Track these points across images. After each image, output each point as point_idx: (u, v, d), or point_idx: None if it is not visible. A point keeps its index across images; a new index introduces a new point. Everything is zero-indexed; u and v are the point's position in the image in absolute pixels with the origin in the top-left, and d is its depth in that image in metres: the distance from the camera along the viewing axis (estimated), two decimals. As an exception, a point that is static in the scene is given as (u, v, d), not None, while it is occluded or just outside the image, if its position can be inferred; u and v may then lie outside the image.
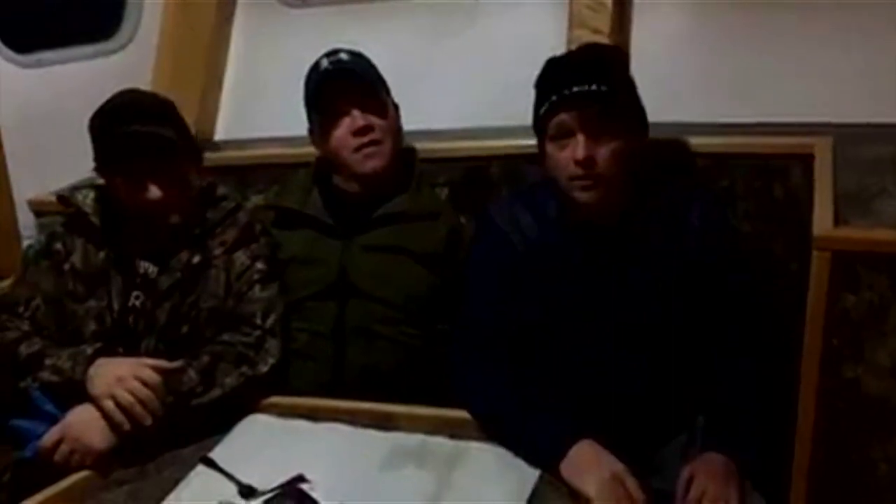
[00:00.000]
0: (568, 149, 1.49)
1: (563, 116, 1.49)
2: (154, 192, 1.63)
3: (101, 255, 1.70)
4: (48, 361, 1.58)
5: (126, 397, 1.50)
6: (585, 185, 1.50)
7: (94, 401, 1.52)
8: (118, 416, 1.50)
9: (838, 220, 1.52)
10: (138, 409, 1.51)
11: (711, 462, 1.37)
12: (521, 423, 1.45)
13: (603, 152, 1.48)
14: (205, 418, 1.57)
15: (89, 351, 1.58)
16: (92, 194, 1.74)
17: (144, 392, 1.51)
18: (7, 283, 1.87)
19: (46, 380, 1.57)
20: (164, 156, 1.64)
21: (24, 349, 1.61)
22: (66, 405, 1.55)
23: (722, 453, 1.39)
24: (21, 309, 1.69)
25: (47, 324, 1.68)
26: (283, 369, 1.69)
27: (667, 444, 1.54)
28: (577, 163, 1.47)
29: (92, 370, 1.55)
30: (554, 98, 1.49)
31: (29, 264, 1.77)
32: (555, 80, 1.52)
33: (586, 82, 1.47)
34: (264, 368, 1.65)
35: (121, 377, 1.52)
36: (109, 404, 1.50)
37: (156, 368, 1.55)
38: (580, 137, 1.47)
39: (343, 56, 1.80)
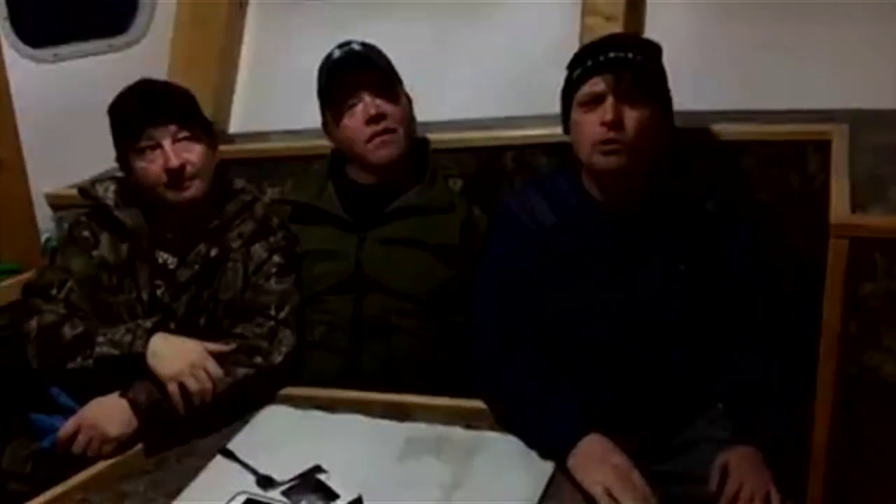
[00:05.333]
0: (597, 113, 1.50)
1: (595, 81, 1.50)
2: (174, 159, 1.64)
3: (125, 247, 1.71)
4: (102, 338, 1.59)
5: (194, 386, 1.53)
6: (608, 150, 1.50)
7: (158, 378, 1.54)
8: (179, 402, 1.53)
9: (855, 208, 1.51)
10: (199, 399, 1.54)
11: (745, 454, 1.38)
12: (532, 414, 1.45)
13: (631, 118, 1.48)
14: (218, 408, 1.58)
15: (148, 324, 1.60)
16: (113, 187, 1.75)
17: (209, 385, 1.54)
18: (28, 275, 1.89)
19: (104, 354, 1.58)
20: (185, 117, 1.68)
21: (67, 331, 1.62)
22: (94, 393, 1.56)
23: (751, 444, 1.40)
24: (54, 292, 1.69)
25: (82, 306, 1.68)
26: (297, 359, 1.70)
27: (687, 428, 1.54)
28: (605, 124, 1.48)
29: (155, 345, 1.57)
30: (589, 63, 1.51)
31: (55, 251, 1.79)
32: (590, 50, 1.55)
33: (622, 50, 1.50)
34: (278, 359, 1.66)
35: (193, 364, 1.54)
36: (175, 388, 1.52)
37: (216, 354, 1.58)
38: (610, 100, 1.48)
39: (355, 46, 1.80)
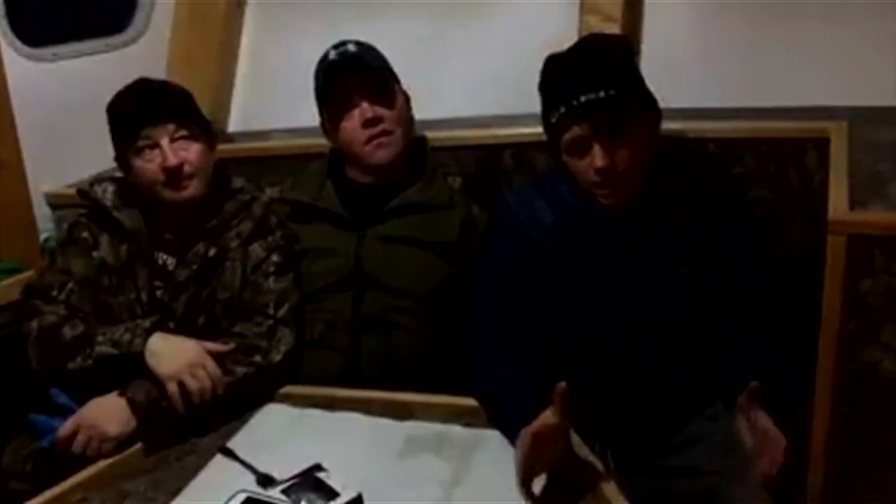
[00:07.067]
0: (586, 158, 1.49)
1: (575, 130, 1.48)
2: (172, 158, 1.64)
3: (124, 248, 1.71)
4: (101, 337, 1.59)
5: (193, 385, 1.53)
6: (606, 194, 1.50)
7: (157, 377, 1.54)
8: (178, 401, 1.53)
9: (854, 204, 1.51)
10: (198, 398, 1.54)
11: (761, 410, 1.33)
12: (531, 413, 1.45)
13: (620, 156, 1.47)
14: (217, 407, 1.58)
15: (147, 324, 1.60)
16: (111, 187, 1.75)
17: (208, 384, 1.54)
18: (28, 274, 1.89)
19: (103, 353, 1.58)
20: (183, 116, 1.68)
21: (67, 331, 1.62)
22: (94, 394, 1.56)
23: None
24: (55, 293, 1.69)
25: (83, 307, 1.69)
26: (297, 358, 1.71)
27: (688, 425, 1.54)
28: (597, 171, 1.47)
29: (154, 345, 1.57)
30: (563, 110, 1.48)
31: (55, 252, 1.79)
32: (561, 87, 1.50)
33: (593, 89, 1.45)
34: (277, 357, 1.66)
35: (192, 363, 1.54)
36: (174, 387, 1.53)
37: (214, 354, 1.58)
38: (596, 147, 1.46)
39: (350, 47, 1.80)
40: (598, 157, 1.46)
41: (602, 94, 1.44)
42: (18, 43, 2.17)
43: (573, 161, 1.51)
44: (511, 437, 1.42)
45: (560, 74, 1.53)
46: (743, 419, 1.32)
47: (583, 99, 1.45)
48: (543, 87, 1.56)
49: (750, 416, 1.30)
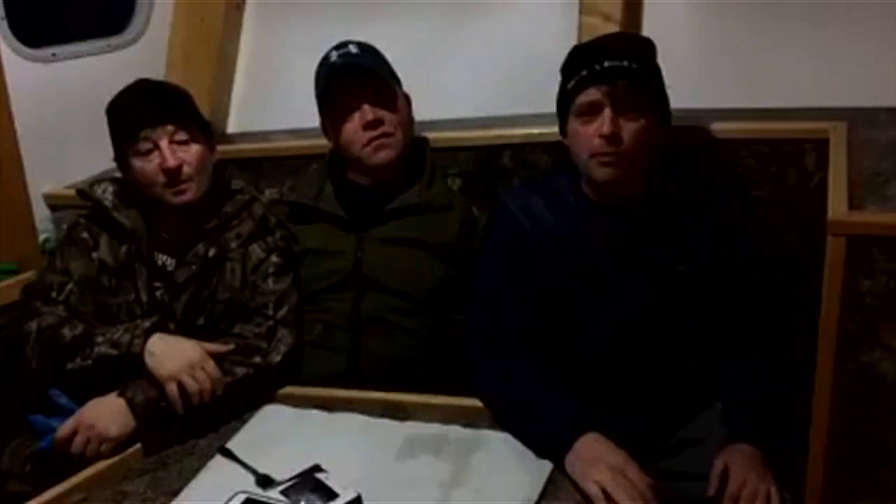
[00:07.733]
0: (594, 124, 1.48)
1: (591, 91, 1.48)
2: (171, 159, 1.64)
3: (124, 248, 1.71)
4: (101, 338, 1.59)
5: (193, 386, 1.53)
6: (606, 162, 1.49)
7: (157, 378, 1.54)
8: (177, 401, 1.53)
9: (853, 205, 1.51)
10: (197, 399, 1.54)
11: (744, 454, 1.38)
12: (530, 414, 1.46)
13: (629, 130, 1.47)
14: (217, 408, 1.58)
15: (146, 324, 1.60)
16: (111, 188, 1.75)
17: (207, 385, 1.55)
18: (27, 275, 1.89)
19: (103, 354, 1.58)
20: (182, 117, 1.68)
21: (67, 332, 1.62)
22: (94, 395, 1.56)
23: (749, 443, 1.40)
24: (54, 294, 1.69)
25: (82, 307, 1.69)
26: (296, 359, 1.71)
27: (687, 426, 1.54)
28: (603, 137, 1.47)
29: (153, 346, 1.57)
30: (584, 73, 1.49)
31: (55, 253, 1.79)
32: (584, 58, 1.52)
33: (617, 58, 1.47)
34: (277, 358, 1.66)
35: (191, 364, 1.55)
36: (174, 388, 1.53)
37: (213, 355, 1.58)
38: (607, 112, 1.47)
39: (352, 49, 1.80)
40: (606, 123, 1.46)
41: (626, 62, 1.47)
42: (18, 43, 2.17)
43: (580, 128, 1.51)
44: (522, 438, 1.44)
45: (585, 50, 1.56)
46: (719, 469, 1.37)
47: (606, 64, 1.47)
48: (566, 64, 1.56)
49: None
